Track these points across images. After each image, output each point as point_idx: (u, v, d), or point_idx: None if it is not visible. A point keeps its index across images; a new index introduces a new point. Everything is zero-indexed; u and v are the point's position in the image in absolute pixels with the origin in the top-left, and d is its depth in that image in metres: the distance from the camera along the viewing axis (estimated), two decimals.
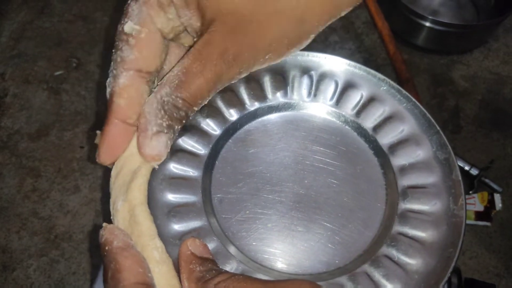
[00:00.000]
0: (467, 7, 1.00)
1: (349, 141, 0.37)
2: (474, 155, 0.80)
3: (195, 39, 0.33)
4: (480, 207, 0.75)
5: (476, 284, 0.51)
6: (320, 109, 0.38)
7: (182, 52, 0.35)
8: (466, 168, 0.75)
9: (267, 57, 0.32)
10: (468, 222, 0.74)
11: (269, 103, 0.38)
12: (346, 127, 0.37)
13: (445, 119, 0.83)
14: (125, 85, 0.30)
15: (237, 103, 0.38)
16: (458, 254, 0.30)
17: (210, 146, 0.36)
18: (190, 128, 0.36)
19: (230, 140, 0.37)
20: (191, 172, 0.35)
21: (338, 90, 0.38)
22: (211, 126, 0.37)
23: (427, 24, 0.86)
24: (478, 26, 0.91)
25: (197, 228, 0.33)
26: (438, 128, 0.35)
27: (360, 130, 0.37)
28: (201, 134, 0.36)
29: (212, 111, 0.37)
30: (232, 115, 0.37)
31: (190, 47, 0.32)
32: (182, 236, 0.32)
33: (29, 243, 0.65)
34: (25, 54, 0.85)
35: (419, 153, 0.35)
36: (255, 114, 0.38)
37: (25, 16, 0.92)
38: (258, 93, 0.38)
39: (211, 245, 0.32)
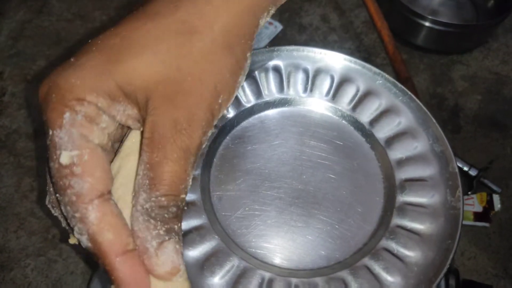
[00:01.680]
0: (466, 7, 1.00)
1: (346, 136, 0.37)
2: (474, 155, 0.79)
3: (141, 129, 0.30)
4: (479, 208, 0.74)
5: (474, 286, 0.50)
6: (316, 104, 0.38)
7: None
8: (465, 168, 0.75)
9: (220, 100, 0.29)
10: (467, 223, 0.74)
11: (265, 99, 0.38)
12: (343, 121, 0.37)
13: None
14: (99, 218, 0.26)
15: (234, 100, 0.38)
16: (456, 245, 0.30)
17: (208, 144, 0.36)
18: None
19: (227, 137, 0.37)
20: None
21: (334, 84, 0.38)
22: None
23: (427, 24, 0.86)
24: (477, 26, 0.91)
25: (198, 226, 0.33)
26: (434, 121, 0.35)
27: (357, 124, 0.37)
28: None
29: None
30: (229, 112, 0.37)
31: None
32: (184, 235, 0.32)
33: (27, 243, 0.65)
34: (24, 53, 0.85)
35: (415, 146, 0.35)
36: (251, 111, 0.38)
37: (24, 15, 0.92)
38: (254, 90, 0.38)
39: (212, 243, 0.32)
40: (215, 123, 0.29)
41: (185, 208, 0.29)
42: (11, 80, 0.81)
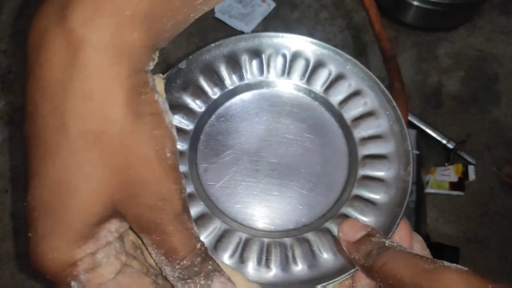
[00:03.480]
0: None
1: (317, 115, 0.41)
2: (453, 129, 0.84)
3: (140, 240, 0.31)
4: (454, 178, 0.80)
5: (442, 248, 0.56)
6: (292, 86, 0.42)
7: None
8: (444, 141, 0.80)
9: (169, 155, 0.30)
10: (443, 192, 0.79)
11: (247, 82, 0.42)
12: (316, 102, 0.42)
13: (428, 95, 0.87)
14: None
15: (219, 82, 0.42)
16: (403, 212, 0.35)
17: (195, 122, 0.40)
18: (177, 107, 0.41)
19: (213, 116, 0.41)
20: (179, 145, 0.39)
21: (309, 68, 0.42)
22: (196, 104, 0.41)
23: (415, 2, 0.89)
24: (464, 4, 0.93)
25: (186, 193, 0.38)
26: (395, 104, 0.39)
27: (328, 105, 0.41)
28: (187, 111, 0.41)
29: (196, 90, 0.41)
30: (215, 93, 0.42)
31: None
32: None
33: None
34: (26, 31, 0.89)
35: (377, 126, 0.40)
36: (234, 92, 0.42)
37: None
38: (237, 72, 0.42)
39: (198, 208, 0.37)
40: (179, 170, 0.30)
41: (205, 248, 0.30)
42: (15, 58, 0.85)
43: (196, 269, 0.29)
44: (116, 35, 0.27)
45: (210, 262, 0.30)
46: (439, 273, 0.27)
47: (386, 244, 0.31)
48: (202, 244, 0.31)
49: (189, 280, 0.29)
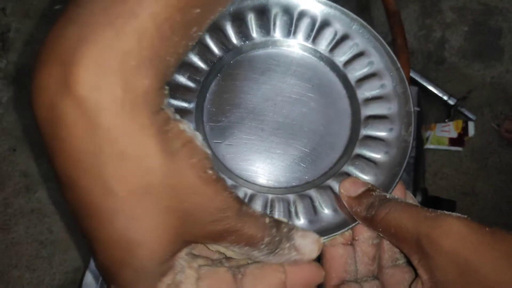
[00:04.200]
0: None
1: (322, 75, 0.42)
2: (455, 85, 0.84)
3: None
4: (454, 134, 0.81)
5: (438, 201, 0.58)
6: (298, 46, 0.42)
7: None
8: (445, 98, 0.80)
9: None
10: (442, 147, 0.81)
11: (253, 41, 0.42)
12: (321, 62, 0.42)
13: (430, 51, 0.86)
14: None
15: (225, 40, 0.42)
16: (402, 171, 0.37)
17: (201, 80, 0.41)
18: (184, 65, 0.41)
19: (219, 75, 0.42)
20: (186, 104, 0.40)
21: (315, 28, 0.42)
22: (202, 63, 0.42)
23: None
24: None
25: None
26: (399, 65, 0.40)
27: (333, 66, 0.42)
28: (193, 70, 0.41)
29: (202, 49, 0.42)
30: (220, 52, 0.42)
31: None
32: None
33: (47, 168, 0.73)
34: None
35: (381, 87, 0.40)
36: (240, 51, 0.42)
37: None
38: (244, 31, 0.42)
39: None
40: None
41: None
42: (14, 16, 0.83)
43: (277, 238, 0.31)
44: (128, 89, 0.26)
45: (283, 225, 0.32)
46: (440, 220, 0.29)
47: (388, 197, 0.33)
48: (269, 216, 0.32)
49: (277, 250, 0.31)
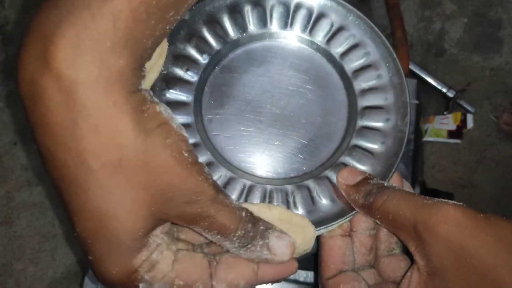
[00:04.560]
0: None
1: (319, 67, 0.42)
2: (454, 77, 0.84)
3: None
4: (453, 126, 0.81)
5: (436, 193, 0.58)
6: (295, 37, 0.43)
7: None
8: (444, 90, 0.80)
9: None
10: (440, 140, 0.81)
11: (250, 33, 0.42)
12: (318, 54, 0.42)
13: (430, 42, 0.86)
14: None
15: (222, 33, 0.42)
16: (399, 161, 0.37)
17: (199, 73, 0.41)
18: (182, 58, 0.41)
19: (217, 68, 0.42)
20: (184, 97, 0.41)
21: (312, 19, 0.42)
22: (200, 55, 0.42)
23: None
24: None
25: (192, 144, 0.39)
26: (395, 56, 0.40)
27: (329, 57, 0.42)
28: (191, 63, 0.41)
29: (200, 41, 0.42)
30: (218, 44, 0.42)
31: None
32: None
33: None
34: None
35: (377, 77, 0.41)
36: (238, 43, 0.42)
37: None
38: (241, 24, 0.42)
39: (204, 158, 0.39)
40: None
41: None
42: (13, 9, 0.83)
43: (251, 234, 0.32)
44: (103, 68, 0.28)
45: (260, 223, 0.33)
46: (437, 207, 0.29)
47: (385, 185, 0.34)
48: (247, 211, 0.33)
49: (249, 246, 0.32)
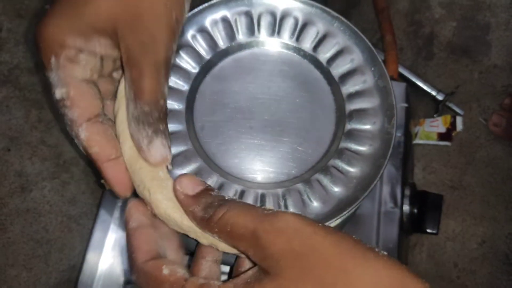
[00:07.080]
0: None
1: (307, 73, 0.43)
2: (443, 80, 0.86)
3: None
4: (442, 129, 0.82)
5: (426, 195, 0.59)
6: (282, 45, 0.44)
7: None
8: (433, 93, 0.81)
9: (174, 16, 0.34)
10: (430, 142, 0.82)
11: (238, 42, 0.44)
12: (305, 60, 0.43)
13: (419, 46, 0.88)
14: (88, 137, 0.34)
15: (211, 42, 0.43)
16: (386, 163, 0.38)
17: (190, 82, 0.42)
18: (173, 68, 0.42)
19: (207, 76, 0.43)
20: (176, 105, 0.41)
21: (298, 27, 0.44)
22: (190, 65, 0.43)
23: None
24: None
25: (184, 151, 0.40)
26: (380, 60, 0.41)
27: (317, 63, 0.43)
28: (182, 72, 0.42)
29: (190, 51, 0.43)
30: (208, 53, 0.43)
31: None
32: (172, 158, 0.38)
33: (41, 168, 0.74)
34: None
35: (363, 82, 0.42)
36: (227, 52, 0.43)
37: None
38: (229, 33, 0.44)
39: (196, 164, 0.40)
40: (177, 38, 0.35)
41: (168, 113, 0.35)
42: (6, 15, 0.84)
43: (151, 120, 0.34)
44: None
45: (163, 126, 0.34)
46: (277, 216, 0.29)
47: (226, 198, 0.32)
48: (165, 107, 0.35)
49: (141, 125, 0.34)
